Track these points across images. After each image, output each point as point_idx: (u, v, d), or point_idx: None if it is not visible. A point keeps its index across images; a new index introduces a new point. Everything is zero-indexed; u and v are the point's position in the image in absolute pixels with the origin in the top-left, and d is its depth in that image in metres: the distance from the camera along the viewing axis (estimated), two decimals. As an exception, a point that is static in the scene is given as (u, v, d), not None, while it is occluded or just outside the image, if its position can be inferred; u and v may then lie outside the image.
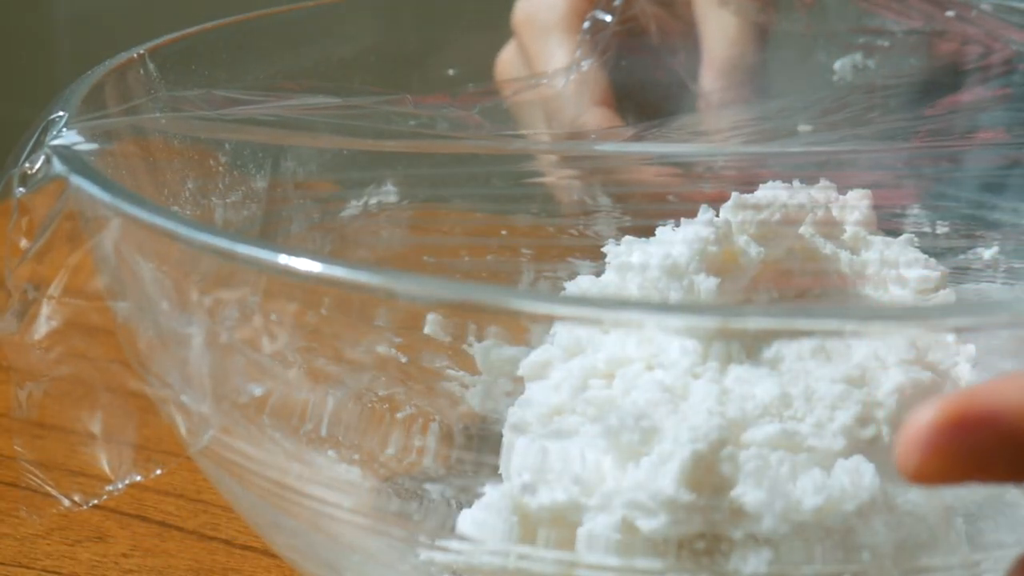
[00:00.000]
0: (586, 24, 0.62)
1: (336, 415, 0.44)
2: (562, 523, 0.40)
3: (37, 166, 0.44)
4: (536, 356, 0.45)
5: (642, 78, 0.63)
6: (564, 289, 0.50)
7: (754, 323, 0.39)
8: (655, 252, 0.46)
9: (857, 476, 0.40)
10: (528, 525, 0.41)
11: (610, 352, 0.44)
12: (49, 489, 0.46)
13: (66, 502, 0.46)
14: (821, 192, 0.52)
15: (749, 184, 0.50)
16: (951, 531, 0.41)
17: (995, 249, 0.60)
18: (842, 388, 0.41)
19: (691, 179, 0.61)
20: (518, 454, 0.41)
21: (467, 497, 0.42)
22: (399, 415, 0.48)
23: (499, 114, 0.62)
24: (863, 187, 0.53)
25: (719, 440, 0.39)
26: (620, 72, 0.63)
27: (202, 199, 0.53)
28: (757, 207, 0.48)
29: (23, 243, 0.44)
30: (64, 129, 0.45)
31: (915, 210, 0.61)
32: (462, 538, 0.41)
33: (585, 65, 0.61)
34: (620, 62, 0.63)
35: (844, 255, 0.50)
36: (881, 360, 0.42)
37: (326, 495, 0.43)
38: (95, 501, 0.46)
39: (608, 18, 0.61)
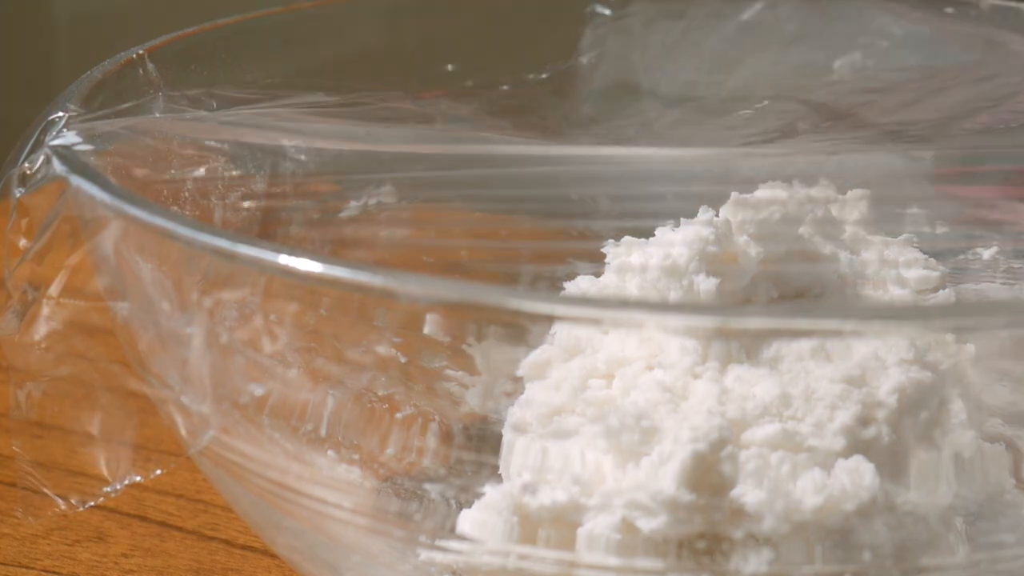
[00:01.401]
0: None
1: (336, 415, 0.44)
2: (562, 523, 0.40)
3: (37, 166, 0.44)
4: (536, 356, 0.45)
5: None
6: (564, 289, 0.50)
7: (754, 323, 0.39)
8: (655, 252, 0.46)
9: (857, 476, 0.39)
10: (528, 525, 0.41)
11: (610, 352, 0.44)
12: (47, 490, 0.46)
13: (64, 503, 0.46)
14: (821, 192, 0.52)
15: (748, 184, 0.50)
16: (951, 531, 0.41)
17: (995, 249, 0.60)
18: (842, 388, 0.41)
19: (691, 179, 0.61)
20: (518, 454, 0.41)
21: (467, 497, 0.42)
22: (399, 415, 0.48)
23: (497, 110, 0.61)
24: (863, 187, 0.53)
25: (719, 440, 0.39)
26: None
27: (202, 199, 0.53)
28: (757, 207, 0.48)
29: (23, 243, 0.44)
30: (64, 129, 0.45)
31: (915, 210, 0.61)
32: (462, 538, 0.41)
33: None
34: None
35: (844, 255, 0.50)
36: (881, 360, 0.42)
37: (326, 495, 0.43)
38: (94, 502, 0.46)
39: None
